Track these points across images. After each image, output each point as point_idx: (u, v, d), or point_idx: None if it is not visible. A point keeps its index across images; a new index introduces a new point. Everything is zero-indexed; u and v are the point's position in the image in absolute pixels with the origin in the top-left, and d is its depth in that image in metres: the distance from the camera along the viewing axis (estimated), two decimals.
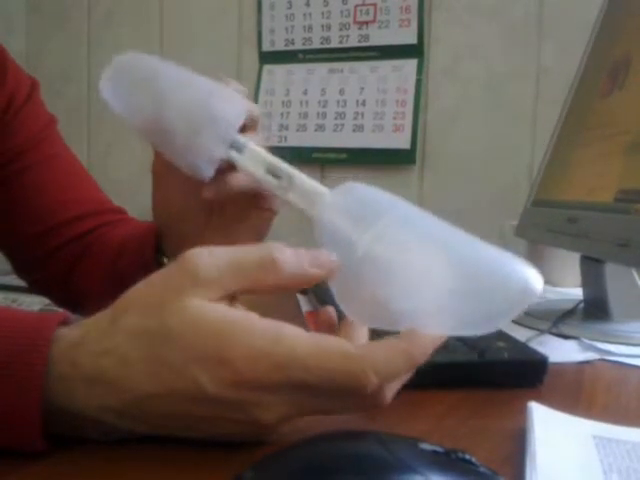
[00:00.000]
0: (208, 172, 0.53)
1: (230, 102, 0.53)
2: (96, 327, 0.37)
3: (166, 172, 0.60)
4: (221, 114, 0.52)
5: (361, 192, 0.44)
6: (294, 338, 0.35)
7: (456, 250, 0.40)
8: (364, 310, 0.40)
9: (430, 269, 0.39)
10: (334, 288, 0.41)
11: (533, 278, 0.39)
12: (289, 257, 0.38)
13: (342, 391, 0.36)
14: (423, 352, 0.37)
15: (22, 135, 0.76)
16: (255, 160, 0.51)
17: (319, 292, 0.81)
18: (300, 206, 0.47)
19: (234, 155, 0.52)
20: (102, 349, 0.35)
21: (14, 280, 1.64)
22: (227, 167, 0.54)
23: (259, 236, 0.61)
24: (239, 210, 0.60)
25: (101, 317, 0.37)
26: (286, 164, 0.50)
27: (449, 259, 0.39)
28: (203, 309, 0.35)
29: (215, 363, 0.34)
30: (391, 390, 0.39)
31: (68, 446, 0.38)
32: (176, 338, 0.34)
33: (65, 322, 0.38)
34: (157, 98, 0.52)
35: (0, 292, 1.69)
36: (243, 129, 0.54)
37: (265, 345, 0.34)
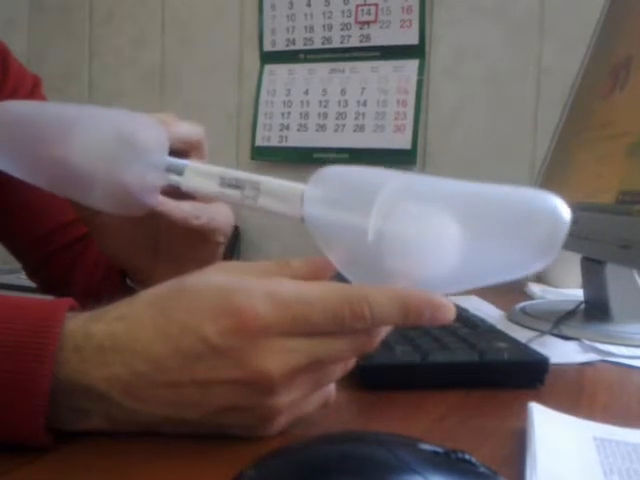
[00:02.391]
0: (147, 205, 0.49)
1: (146, 127, 0.49)
2: (115, 303, 0.39)
3: (92, 218, 0.55)
4: (141, 140, 0.48)
5: (341, 175, 0.43)
6: (295, 282, 0.38)
7: (469, 202, 0.39)
8: (377, 282, 0.40)
9: (446, 231, 0.38)
10: (350, 276, 0.41)
11: (559, 210, 0.37)
12: (298, 259, 0.41)
13: (340, 324, 0.37)
14: (418, 309, 0.38)
15: None
16: (203, 177, 0.47)
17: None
18: (278, 210, 0.44)
19: (175, 178, 0.48)
20: (119, 314, 0.37)
21: (18, 279, 1.64)
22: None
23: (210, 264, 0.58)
24: (184, 244, 0.56)
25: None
26: (246, 173, 0.46)
27: (464, 215, 0.38)
28: (216, 276, 0.38)
29: (218, 314, 0.36)
30: (378, 335, 0.39)
31: (69, 442, 0.38)
32: (185, 297, 0.37)
33: (74, 308, 0.39)
34: (53, 141, 0.48)
35: (5, 291, 1.69)
36: (183, 154, 0.51)
37: (267, 290, 0.36)
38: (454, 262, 0.38)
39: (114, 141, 0.47)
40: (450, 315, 0.39)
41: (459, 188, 0.40)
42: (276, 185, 0.45)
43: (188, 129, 0.52)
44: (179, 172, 0.48)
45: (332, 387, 0.43)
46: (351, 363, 0.42)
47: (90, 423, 0.38)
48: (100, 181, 0.47)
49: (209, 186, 0.47)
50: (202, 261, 0.58)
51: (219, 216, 0.55)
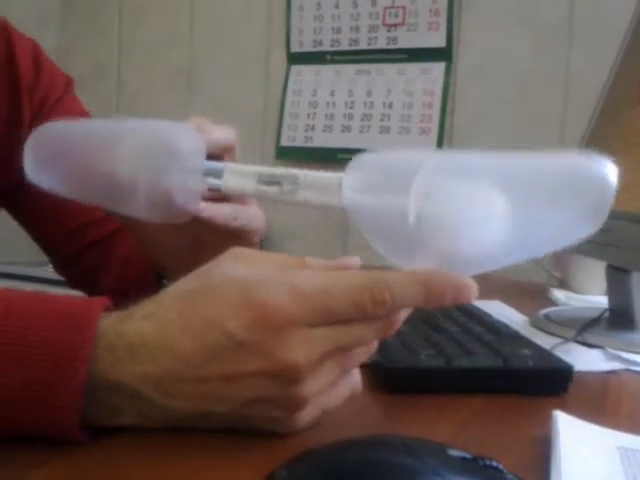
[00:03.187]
0: (190, 211, 0.50)
1: (184, 135, 0.50)
2: (143, 301, 0.40)
3: (137, 228, 0.57)
4: (180, 148, 0.49)
5: (377, 160, 0.44)
6: (315, 273, 0.39)
7: (512, 174, 0.39)
8: (431, 266, 0.39)
9: (490, 207, 0.38)
10: (395, 260, 0.41)
11: (606, 175, 0.38)
12: (318, 260, 0.41)
13: (361, 311, 0.37)
14: (439, 290, 0.38)
15: None
16: (241, 177, 0.48)
17: None
18: (318, 201, 0.45)
19: (214, 181, 0.49)
20: (147, 312, 0.38)
21: (44, 272, 1.67)
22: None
23: None
24: (222, 245, 0.58)
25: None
26: (282, 168, 0.47)
27: (508, 188, 0.38)
28: (237, 270, 0.39)
29: (241, 309, 0.36)
30: (399, 317, 0.40)
31: (103, 438, 0.39)
32: (209, 293, 0.38)
33: (108, 307, 0.40)
34: (97, 158, 0.49)
35: (31, 284, 1.71)
36: (217, 158, 0.52)
37: (288, 282, 0.37)
38: (501, 238, 0.38)
39: (155, 151, 0.49)
40: (473, 295, 0.38)
41: (501, 160, 0.40)
42: (314, 177, 0.45)
43: (222, 134, 0.53)
44: (218, 175, 0.49)
45: (358, 379, 0.44)
46: (374, 347, 0.42)
47: (123, 419, 0.39)
48: (144, 191, 0.49)
49: (248, 185, 0.48)
50: None
51: (255, 218, 0.56)
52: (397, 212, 0.39)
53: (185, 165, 0.49)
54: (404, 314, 0.40)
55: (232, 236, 0.56)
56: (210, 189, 0.50)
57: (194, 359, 0.37)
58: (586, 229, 0.38)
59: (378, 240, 0.42)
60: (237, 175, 0.49)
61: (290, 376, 0.37)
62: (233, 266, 0.39)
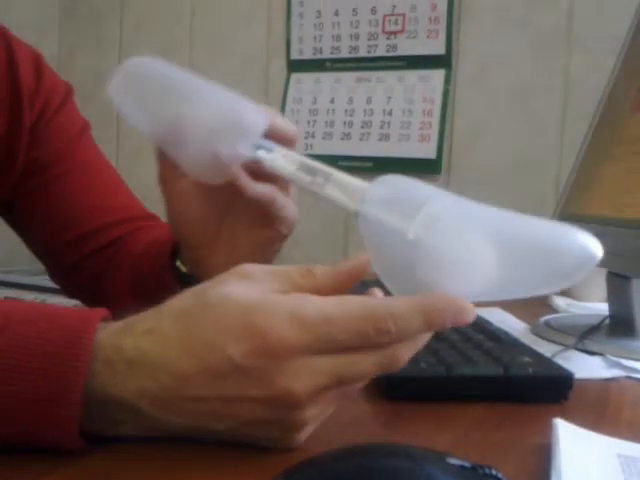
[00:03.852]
0: (229, 173, 0.53)
1: (254, 108, 0.54)
2: (143, 314, 0.39)
3: (175, 181, 0.59)
4: (248, 117, 0.53)
5: (401, 183, 0.46)
6: (318, 299, 0.38)
7: (505, 230, 0.42)
8: (411, 291, 0.41)
9: (481, 251, 0.41)
10: (379, 269, 0.43)
11: (590, 246, 0.40)
12: (322, 267, 0.41)
13: (365, 340, 0.37)
14: (440, 315, 0.39)
15: (56, 141, 0.78)
16: (285, 159, 0.52)
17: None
18: (340, 201, 0.47)
19: (261, 154, 0.52)
20: (146, 328, 0.38)
21: (44, 281, 1.66)
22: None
23: (264, 260, 0.60)
24: (249, 226, 0.59)
25: (149, 310, 0.40)
26: (321, 164, 0.50)
27: (499, 240, 0.41)
28: (240, 291, 0.38)
29: (242, 334, 0.36)
30: (407, 350, 0.40)
31: (102, 447, 0.39)
32: (210, 315, 0.37)
33: (106, 318, 0.40)
34: (175, 101, 0.54)
35: (30, 292, 1.71)
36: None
37: (290, 309, 0.37)
38: (484, 280, 0.41)
39: (223, 113, 0.53)
40: (471, 317, 0.40)
41: (498, 215, 0.43)
42: (344, 178, 0.48)
43: (286, 123, 0.56)
44: (268, 150, 0.52)
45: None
46: (371, 377, 0.42)
47: (122, 430, 0.39)
48: (200, 140, 0.53)
49: (289, 168, 0.51)
50: (261, 251, 0.60)
51: (289, 208, 0.58)
52: (399, 230, 0.41)
53: (242, 132, 0.52)
54: (409, 353, 0.40)
55: (262, 220, 0.58)
56: (256, 160, 0.52)
57: (192, 379, 0.37)
58: (554, 287, 0.42)
59: (375, 252, 0.43)
60: (284, 157, 0.52)
61: (289, 403, 0.37)
62: (235, 285, 0.39)
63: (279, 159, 0.52)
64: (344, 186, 0.48)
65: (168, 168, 0.58)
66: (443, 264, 0.40)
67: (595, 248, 0.40)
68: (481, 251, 0.41)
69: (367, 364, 0.38)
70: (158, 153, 0.58)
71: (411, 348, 0.40)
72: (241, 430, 0.39)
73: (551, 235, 0.42)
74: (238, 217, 0.60)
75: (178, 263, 0.66)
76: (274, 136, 0.54)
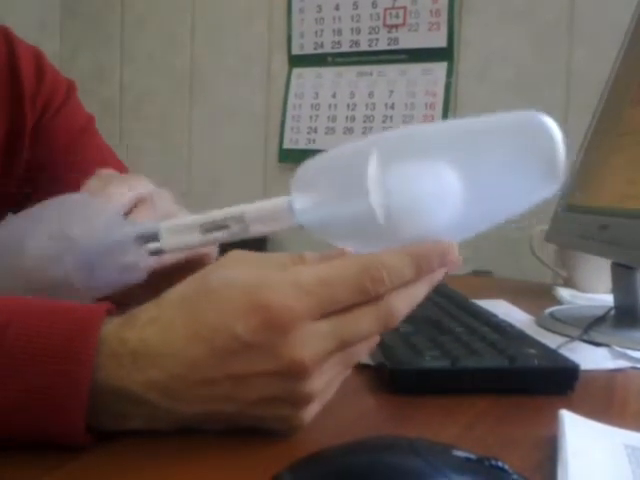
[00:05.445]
0: (139, 276, 0.48)
1: (107, 208, 0.48)
2: (145, 305, 0.40)
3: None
4: (111, 224, 0.47)
5: (320, 166, 0.44)
6: (312, 267, 0.39)
7: (461, 145, 0.41)
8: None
9: (446, 182, 0.40)
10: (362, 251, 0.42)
11: (548, 124, 0.40)
12: (312, 253, 0.42)
13: (364, 293, 0.38)
14: (427, 259, 0.40)
15: (60, 138, 0.78)
16: (181, 233, 0.45)
17: None
18: (273, 230, 0.44)
19: (154, 246, 0.46)
20: (149, 318, 0.38)
21: None
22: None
23: None
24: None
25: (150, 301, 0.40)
26: (223, 210, 0.44)
27: (460, 160, 0.40)
28: (238, 273, 0.39)
29: (247, 312, 0.37)
30: (402, 302, 0.40)
31: (108, 441, 0.39)
32: (213, 297, 0.38)
33: (111, 311, 0.40)
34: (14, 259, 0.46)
35: None
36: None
37: (289, 280, 0.37)
38: (462, 208, 0.40)
39: (67, 247, 0.46)
40: (455, 256, 0.41)
41: (446, 131, 0.42)
42: (260, 209, 0.44)
43: (134, 190, 0.51)
44: (154, 238, 0.46)
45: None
46: (374, 342, 0.43)
47: (129, 424, 0.39)
48: (82, 288, 0.46)
49: (192, 238, 0.45)
50: None
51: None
52: (362, 216, 0.41)
53: (110, 248, 0.46)
54: (405, 306, 0.40)
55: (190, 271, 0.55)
56: (152, 254, 0.46)
57: (201, 363, 0.37)
58: (545, 187, 0.40)
59: (348, 243, 0.43)
60: (177, 232, 0.45)
61: (297, 373, 0.37)
62: (233, 269, 0.40)
63: (175, 237, 0.45)
64: (265, 216, 0.43)
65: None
66: (418, 216, 0.40)
67: (557, 131, 0.39)
68: (445, 180, 0.40)
69: (367, 320, 0.39)
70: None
71: (406, 301, 0.40)
72: (250, 411, 0.39)
73: (511, 134, 0.41)
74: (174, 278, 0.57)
75: None
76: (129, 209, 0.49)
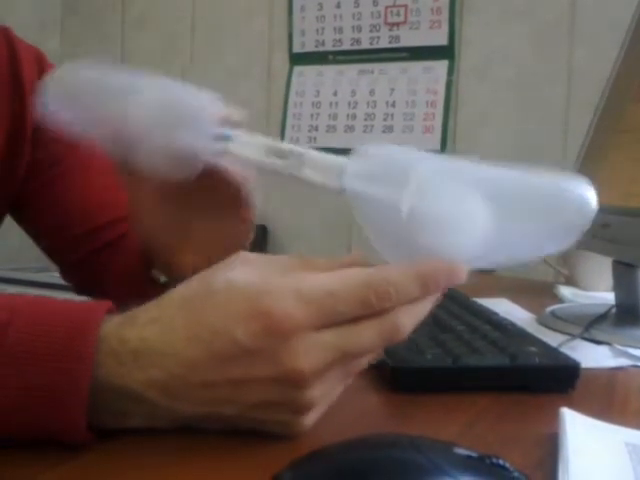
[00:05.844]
0: (192, 168, 0.51)
1: (205, 97, 0.51)
2: (146, 305, 0.39)
3: (135, 191, 0.58)
4: (200, 108, 0.50)
5: (383, 151, 0.44)
6: (317, 275, 0.38)
7: (500, 185, 0.41)
8: (411, 260, 0.41)
9: (476, 211, 0.40)
10: (383, 250, 0.42)
11: (587, 196, 0.40)
12: (319, 258, 0.41)
13: (368, 308, 0.38)
14: (433, 277, 0.39)
15: (60, 140, 0.78)
16: (249, 145, 0.48)
17: None
18: (319, 181, 0.45)
19: (223, 145, 0.49)
20: (149, 318, 0.38)
21: (50, 278, 1.67)
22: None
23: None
24: (215, 221, 0.59)
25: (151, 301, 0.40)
26: (291, 144, 0.47)
27: (495, 197, 0.40)
28: (241, 276, 0.38)
29: (248, 317, 0.36)
30: (408, 318, 0.40)
31: (108, 439, 0.39)
32: (214, 300, 0.38)
33: (111, 310, 0.40)
34: (119, 98, 0.51)
35: (37, 289, 1.72)
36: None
37: (292, 287, 0.37)
38: (482, 240, 0.40)
39: (170, 106, 0.50)
40: (463, 276, 0.40)
41: (491, 170, 0.42)
42: (319, 157, 0.46)
43: (234, 109, 0.53)
44: (227, 140, 0.49)
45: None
46: (378, 354, 0.43)
47: (129, 422, 0.39)
48: (154, 140, 0.50)
49: (255, 153, 0.48)
50: (228, 247, 0.58)
51: (256, 193, 0.58)
52: (391, 204, 0.41)
53: (198, 126, 0.50)
54: (411, 322, 0.40)
55: (228, 213, 0.57)
56: (220, 152, 0.50)
57: (200, 365, 0.37)
58: (558, 245, 0.42)
59: (370, 228, 0.43)
60: (246, 143, 0.49)
61: (297, 382, 0.37)
62: (236, 271, 0.39)
63: (243, 146, 0.49)
64: (321, 164, 0.45)
65: (129, 177, 0.56)
66: (439, 229, 0.40)
67: (592, 198, 0.40)
68: (476, 210, 0.40)
69: (370, 334, 0.39)
70: (116, 163, 0.56)
71: (412, 317, 0.40)
72: (250, 414, 0.39)
73: (546, 187, 0.41)
74: (203, 214, 0.59)
75: (154, 272, 0.66)
76: (227, 122, 0.51)
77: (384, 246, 0.43)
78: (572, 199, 0.40)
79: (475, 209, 0.40)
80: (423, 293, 0.40)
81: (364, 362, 0.42)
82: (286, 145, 0.47)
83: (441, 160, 0.43)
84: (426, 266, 0.39)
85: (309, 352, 0.37)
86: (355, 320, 0.38)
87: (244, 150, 0.49)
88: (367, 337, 0.39)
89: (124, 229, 0.77)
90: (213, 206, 0.57)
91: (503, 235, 0.40)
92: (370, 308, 0.38)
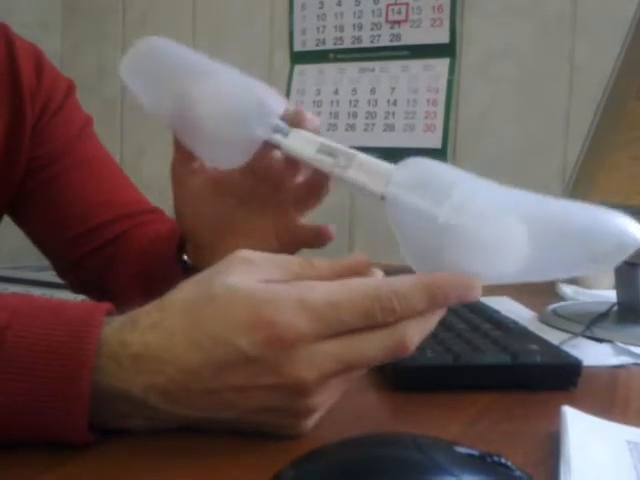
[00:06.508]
0: (244, 156, 0.53)
1: (270, 91, 0.53)
2: (146, 307, 0.39)
3: (188, 180, 0.60)
4: (265, 98, 0.52)
5: (427, 166, 0.45)
6: (321, 285, 0.38)
7: (536, 213, 0.41)
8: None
9: (512, 235, 0.40)
10: (408, 253, 0.42)
11: (627, 230, 0.40)
12: (321, 260, 0.41)
13: (372, 321, 0.37)
14: (443, 292, 0.39)
15: (58, 139, 0.78)
16: (303, 141, 0.50)
17: None
18: (363, 183, 0.46)
19: (278, 138, 0.51)
20: (150, 323, 0.38)
21: (51, 277, 1.67)
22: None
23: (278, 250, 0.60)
24: (262, 216, 0.60)
25: (152, 302, 0.40)
26: (343, 146, 0.49)
27: (530, 223, 0.40)
28: (244, 281, 0.38)
29: (250, 325, 0.36)
30: (414, 332, 0.39)
31: (109, 439, 0.39)
32: (217, 307, 0.37)
33: (111, 312, 0.40)
34: (190, 80, 0.53)
35: (38, 288, 1.72)
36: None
37: (296, 297, 0.37)
38: (515, 263, 0.40)
39: (240, 93, 0.52)
40: (477, 293, 0.40)
41: (531, 197, 0.42)
42: (368, 161, 0.47)
43: (311, 114, 0.55)
44: (284, 133, 0.51)
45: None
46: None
47: (130, 423, 0.39)
48: (215, 123, 0.52)
49: (308, 150, 0.50)
50: (273, 241, 0.60)
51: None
52: (430, 214, 0.41)
53: (260, 115, 0.51)
54: (418, 335, 0.40)
55: (276, 209, 0.58)
56: (274, 144, 0.51)
57: (201, 372, 0.37)
58: (587, 272, 0.41)
59: (403, 236, 0.43)
60: (301, 139, 0.50)
61: (299, 391, 0.37)
62: (238, 276, 0.39)
63: (297, 141, 0.50)
64: (368, 168, 0.46)
65: (183, 160, 0.58)
66: (473, 247, 0.40)
67: (634, 231, 0.40)
68: (512, 234, 0.40)
69: (375, 346, 0.38)
70: (174, 140, 0.58)
71: (418, 330, 0.39)
72: (251, 418, 0.39)
73: (586, 219, 0.41)
74: (251, 209, 0.60)
75: (185, 257, 0.66)
76: (292, 121, 0.53)
77: (413, 256, 0.43)
78: (612, 232, 0.40)
79: (511, 233, 0.40)
80: (431, 307, 0.39)
81: (363, 370, 0.41)
82: (339, 145, 0.49)
83: (483, 182, 0.43)
84: (436, 279, 0.39)
85: (312, 362, 0.37)
86: (360, 331, 0.38)
87: (297, 145, 0.50)
88: (371, 350, 0.38)
89: (122, 228, 0.77)
90: (264, 202, 0.59)
91: (536, 262, 0.40)
92: (374, 321, 0.37)
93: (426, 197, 0.42)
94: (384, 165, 0.46)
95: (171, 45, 0.56)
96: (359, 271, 0.42)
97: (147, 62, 0.56)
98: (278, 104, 0.52)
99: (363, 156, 0.47)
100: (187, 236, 0.65)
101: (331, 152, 0.48)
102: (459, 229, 0.40)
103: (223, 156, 0.54)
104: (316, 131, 0.53)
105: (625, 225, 0.40)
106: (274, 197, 0.59)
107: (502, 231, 0.40)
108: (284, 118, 0.52)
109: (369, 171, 0.46)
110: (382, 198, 0.44)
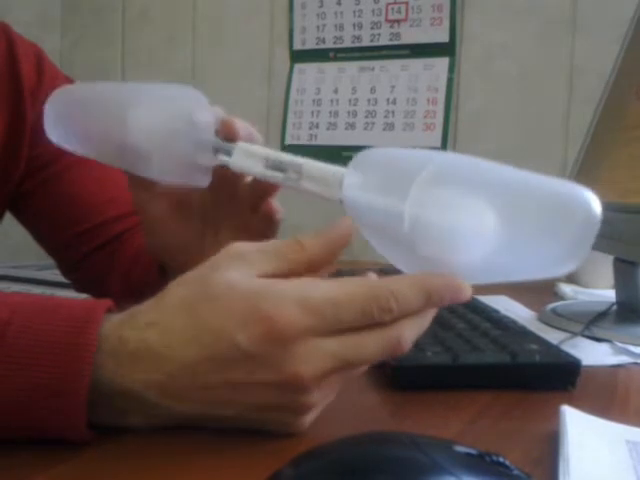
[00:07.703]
0: (203, 182, 0.52)
1: (198, 104, 0.51)
2: (144, 305, 0.39)
3: (149, 207, 0.58)
4: (195, 122, 0.50)
5: (381, 158, 0.44)
6: (321, 282, 0.38)
7: (506, 193, 0.40)
8: (418, 265, 0.41)
9: (481, 221, 0.39)
10: (389, 257, 0.42)
11: (592, 205, 0.39)
12: (309, 236, 0.41)
13: (369, 319, 0.38)
14: (438, 293, 0.39)
15: None
16: (249, 157, 0.49)
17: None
18: (319, 192, 0.46)
19: (222, 158, 0.50)
20: (149, 320, 0.38)
21: (52, 275, 1.67)
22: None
23: None
24: (233, 231, 0.59)
25: (150, 300, 0.40)
26: (290, 155, 0.48)
27: (500, 207, 0.39)
28: (242, 277, 0.38)
29: (249, 321, 0.36)
30: (410, 331, 0.40)
31: (108, 437, 0.39)
32: (215, 303, 0.37)
33: (111, 309, 0.40)
34: (116, 114, 0.51)
35: (39, 287, 1.72)
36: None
37: (295, 294, 0.37)
38: (487, 252, 0.39)
39: (171, 118, 0.51)
40: (468, 295, 0.40)
41: (497, 175, 0.41)
42: (317, 168, 0.46)
43: (239, 121, 0.53)
44: (227, 152, 0.50)
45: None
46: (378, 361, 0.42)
47: (129, 420, 0.39)
48: (155, 157, 0.50)
49: (255, 167, 0.49)
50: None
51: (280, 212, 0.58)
52: (393, 215, 0.40)
53: (194, 138, 0.50)
54: (413, 334, 0.40)
55: (246, 224, 0.57)
56: (219, 165, 0.50)
57: (200, 368, 0.37)
58: (566, 264, 0.39)
59: (373, 238, 0.43)
60: (247, 155, 0.49)
61: (297, 387, 0.37)
62: (235, 271, 0.39)
63: (242, 159, 0.49)
64: (318, 176, 0.46)
65: (140, 191, 0.56)
66: (441, 240, 0.40)
67: (597, 211, 0.38)
68: (479, 218, 0.39)
69: (372, 345, 0.39)
70: (127, 177, 0.56)
71: (414, 329, 0.40)
72: (249, 415, 0.39)
73: (553, 199, 0.40)
74: (220, 226, 0.59)
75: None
76: (226, 135, 0.51)
77: (390, 255, 0.43)
78: (578, 208, 0.39)
79: (479, 219, 0.39)
80: (426, 307, 0.40)
81: (361, 369, 0.42)
82: (285, 156, 0.48)
83: (445, 162, 0.42)
84: (433, 281, 0.39)
85: (310, 359, 0.37)
86: (358, 329, 0.38)
87: (243, 164, 0.49)
88: (368, 348, 0.39)
89: (125, 226, 0.77)
90: (232, 219, 0.58)
91: (508, 247, 0.39)
92: (371, 319, 0.38)
93: (385, 195, 0.41)
94: (334, 169, 0.45)
95: (82, 86, 0.57)
96: (347, 237, 0.42)
97: (69, 111, 0.55)
98: (208, 120, 0.50)
99: (311, 164, 0.46)
100: (163, 262, 0.64)
101: (278, 165, 0.47)
102: (424, 225, 0.40)
103: (184, 180, 0.52)
104: (251, 138, 0.51)
105: (589, 200, 0.39)
106: (231, 205, 0.57)
107: (468, 218, 0.39)
108: (219, 130, 0.51)
109: (320, 179, 0.46)
110: (341, 202, 0.44)
